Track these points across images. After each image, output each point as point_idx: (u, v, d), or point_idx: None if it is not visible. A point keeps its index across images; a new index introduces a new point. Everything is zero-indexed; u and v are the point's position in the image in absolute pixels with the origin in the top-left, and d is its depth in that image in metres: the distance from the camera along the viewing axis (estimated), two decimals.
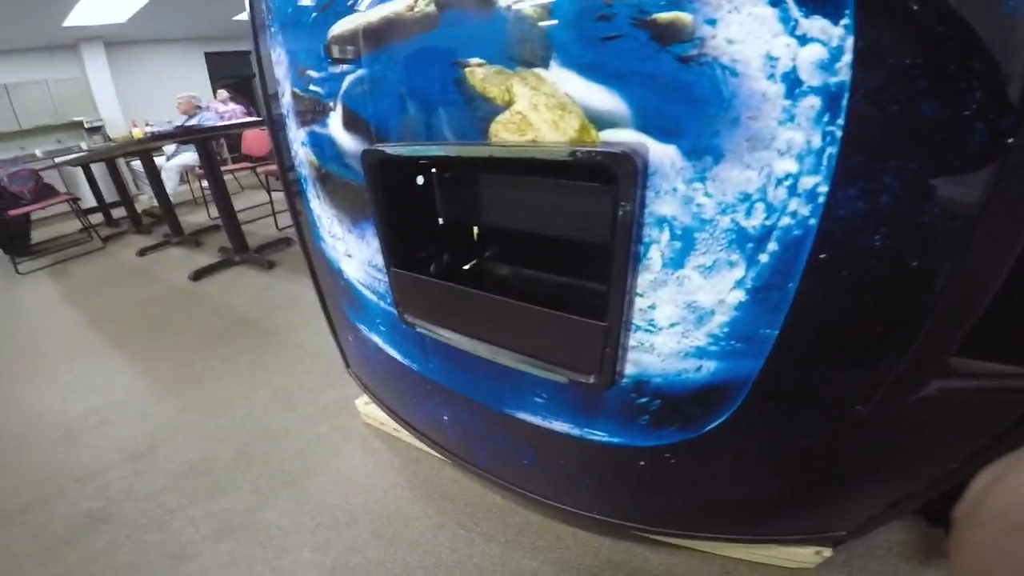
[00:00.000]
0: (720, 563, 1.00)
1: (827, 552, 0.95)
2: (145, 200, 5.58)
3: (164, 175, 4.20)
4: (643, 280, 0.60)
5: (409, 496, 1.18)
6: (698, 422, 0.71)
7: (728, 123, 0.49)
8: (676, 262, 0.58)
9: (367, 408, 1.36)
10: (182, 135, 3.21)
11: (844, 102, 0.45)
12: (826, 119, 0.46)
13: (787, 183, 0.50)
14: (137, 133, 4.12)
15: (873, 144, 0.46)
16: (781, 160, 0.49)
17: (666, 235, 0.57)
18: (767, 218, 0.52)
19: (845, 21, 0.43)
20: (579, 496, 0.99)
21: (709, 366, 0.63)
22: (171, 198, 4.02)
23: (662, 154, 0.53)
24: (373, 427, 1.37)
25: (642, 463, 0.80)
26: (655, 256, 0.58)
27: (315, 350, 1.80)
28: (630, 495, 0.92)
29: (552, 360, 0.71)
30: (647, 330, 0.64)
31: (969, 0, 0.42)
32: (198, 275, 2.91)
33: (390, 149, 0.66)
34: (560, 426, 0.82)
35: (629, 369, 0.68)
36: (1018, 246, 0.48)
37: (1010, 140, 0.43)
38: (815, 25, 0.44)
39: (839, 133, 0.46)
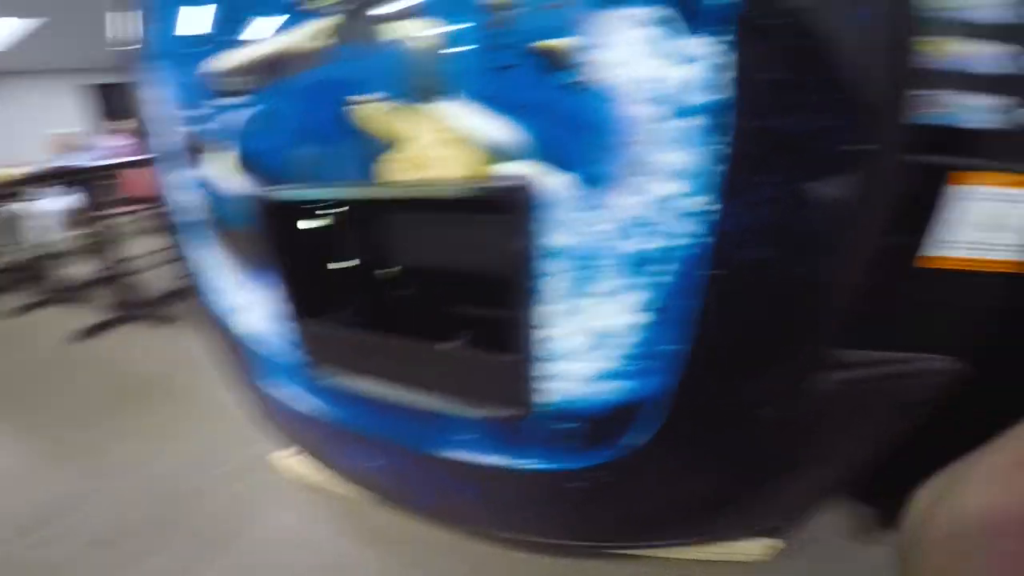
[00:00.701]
0: (679, 566, 1.02)
1: (774, 544, 1.00)
2: (19, 250, 4.91)
3: (39, 222, 3.72)
4: (551, 310, 0.60)
5: (349, 545, 1.11)
6: (626, 440, 0.72)
7: (617, 149, 0.50)
8: (581, 290, 0.58)
9: (287, 462, 1.26)
10: (54, 176, 2.86)
11: (726, 120, 0.48)
12: (710, 138, 0.49)
13: (679, 204, 0.52)
14: (5, 174, 3.63)
15: (756, 160, 0.49)
16: (669, 182, 0.51)
17: (562, 265, 0.57)
18: (664, 240, 0.53)
19: (726, 38, 0.46)
20: (529, 523, 0.97)
21: (625, 386, 0.64)
22: (50, 248, 3.57)
23: (559, 184, 0.53)
24: (298, 481, 1.27)
25: (582, 484, 0.80)
26: (560, 285, 0.59)
27: (224, 406, 1.65)
28: (577, 515, 0.91)
29: (471, 397, 0.70)
30: (562, 358, 0.64)
31: (831, 14, 0.46)
32: (89, 333, 2.58)
33: (284, 192, 0.61)
34: (494, 460, 0.80)
35: (550, 397, 0.68)
36: (882, 244, 0.54)
37: (870, 147, 0.48)
38: (695, 44, 0.46)
39: (724, 151, 0.49)
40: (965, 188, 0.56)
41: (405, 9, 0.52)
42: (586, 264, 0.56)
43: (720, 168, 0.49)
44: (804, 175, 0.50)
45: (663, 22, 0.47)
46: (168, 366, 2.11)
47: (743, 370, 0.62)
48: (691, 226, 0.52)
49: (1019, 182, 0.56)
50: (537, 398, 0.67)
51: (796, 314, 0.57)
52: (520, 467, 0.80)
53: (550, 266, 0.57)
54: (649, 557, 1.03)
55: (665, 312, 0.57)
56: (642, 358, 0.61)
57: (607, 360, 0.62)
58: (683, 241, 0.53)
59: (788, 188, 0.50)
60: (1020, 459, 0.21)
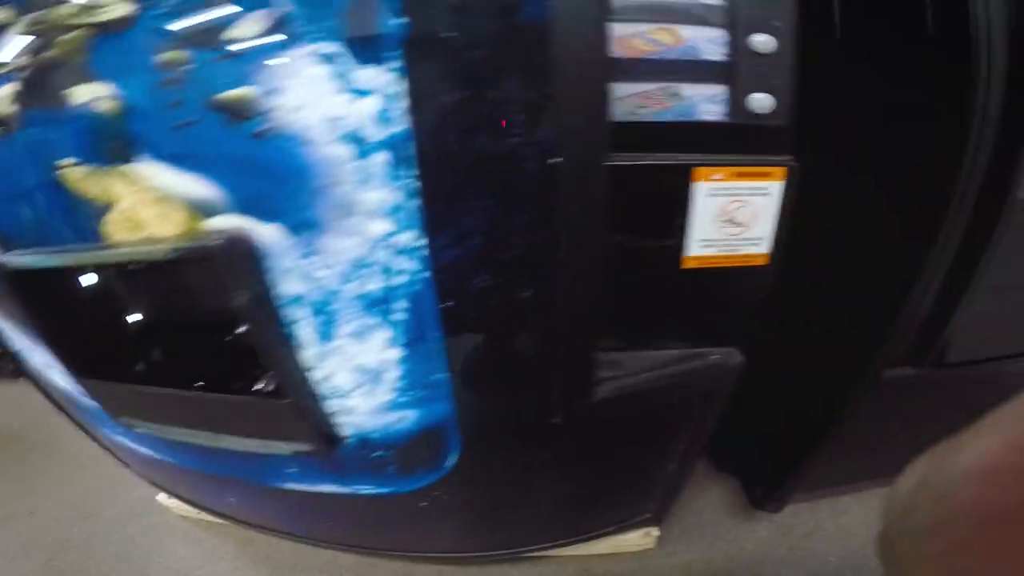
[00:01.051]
0: (581, 562, 1.05)
1: (655, 532, 1.03)
2: None
3: None
4: (309, 354, 0.60)
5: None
6: (439, 461, 0.73)
7: (315, 193, 0.49)
8: (327, 335, 0.58)
9: (174, 500, 1.25)
10: None
11: (410, 151, 0.47)
12: (400, 172, 0.48)
13: (389, 243, 0.51)
14: None
15: (449, 189, 0.49)
16: (375, 222, 0.50)
17: (304, 312, 0.56)
18: (386, 279, 0.53)
19: (395, 64, 0.44)
20: (409, 540, 0.99)
21: (410, 415, 0.65)
22: None
23: (269, 235, 0.52)
24: (191, 518, 1.26)
25: (424, 504, 0.82)
26: (306, 333, 0.58)
27: (98, 453, 1.60)
28: (440, 530, 0.93)
29: (270, 437, 0.70)
30: (338, 395, 0.64)
31: (499, 19, 0.45)
32: None
33: (15, 259, 0.59)
34: (328, 488, 0.81)
35: (345, 430, 0.68)
36: (622, 249, 0.54)
37: (553, 160, 0.47)
38: (368, 75, 0.45)
39: (415, 184, 0.48)
40: (699, 185, 0.56)
41: (79, 74, 0.49)
42: (324, 309, 0.56)
43: (418, 202, 0.48)
44: (507, 196, 0.49)
45: (333, 58, 0.45)
46: (27, 419, 1.89)
47: (512, 388, 0.63)
48: (409, 263, 0.52)
49: (754, 173, 0.56)
50: (333, 432, 0.68)
51: (546, 331, 0.57)
52: (362, 493, 0.81)
53: (292, 313, 0.56)
54: (549, 557, 1.06)
55: (418, 345, 0.57)
56: (415, 389, 0.62)
57: (384, 394, 0.63)
58: (405, 279, 0.52)
59: (494, 212, 0.50)
60: (1010, 442, 0.20)
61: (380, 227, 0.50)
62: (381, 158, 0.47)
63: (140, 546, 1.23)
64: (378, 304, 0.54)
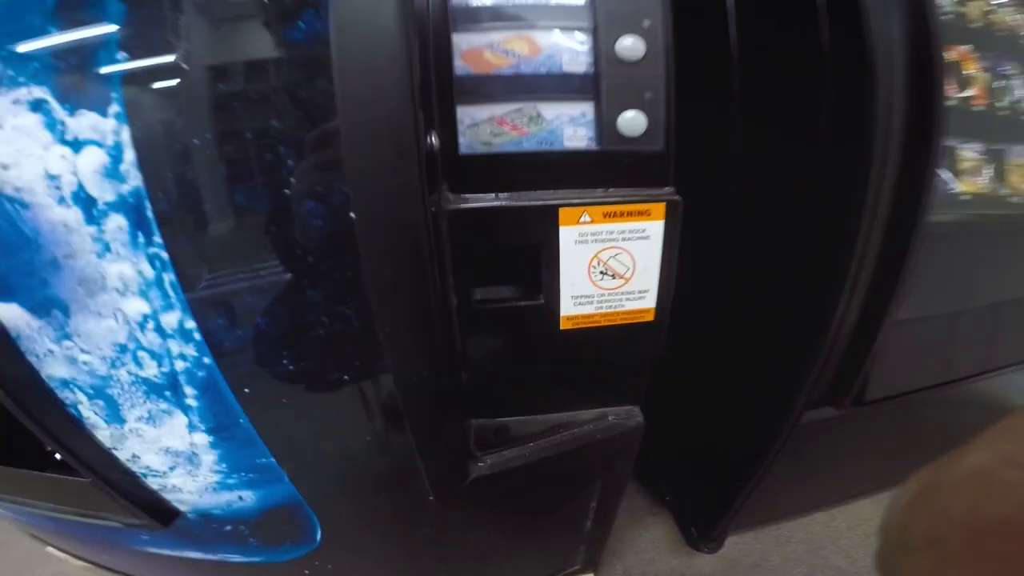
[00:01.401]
0: None
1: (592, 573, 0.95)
2: None
3: None
4: (104, 436, 0.50)
5: None
6: (306, 534, 0.64)
7: (49, 267, 0.39)
8: (115, 417, 0.48)
9: None
10: None
11: (149, 212, 0.36)
12: (141, 239, 0.37)
13: (151, 325, 0.41)
14: None
15: (207, 258, 0.38)
16: (127, 300, 0.40)
17: (80, 395, 0.46)
18: (160, 365, 0.43)
19: (115, 109, 0.34)
20: None
21: (247, 495, 0.56)
22: None
23: (10, 315, 0.41)
24: (90, 567, 1.19)
25: (306, 572, 0.74)
26: (91, 415, 0.48)
27: None
28: None
29: (94, 511, 0.61)
30: (155, 475, 0.54)
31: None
32: None
33: None
34: (194, 555, 0.72)
35: (180, 506, 0.59)
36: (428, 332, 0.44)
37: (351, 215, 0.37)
38: (85, 123, 0.34)
39: (164, 254, 0.37)
40: (567, 231, 0.45)
41: None
42: (101, 393, 0.45)
43: (175, 276, 0.38)
44: (291, 264, 0.38)
45: (42, 104, 0.34)
46: None
47: (358, 475, 0.53)
48: (184, 348, 0.41)
49: (628, 212, 0.45)
50: (165, 507, 0.59)
51: (388, 414, 0.47)
52: (232, 560, 0.73)
53: (68, 398, 0.46)
54: None
55: (226, 432, 0.47)
56: (240, 472, 0.52)
57: (207, 475, 0.53)
58: (185, 365, 0.42)
59: (277, 286, 0.39)
60: (1003, 457, 0.20)
61: (136, 307, 0.40)
62: (115, 223, 0.37)
63: None
64: (162, 390, 0.44)
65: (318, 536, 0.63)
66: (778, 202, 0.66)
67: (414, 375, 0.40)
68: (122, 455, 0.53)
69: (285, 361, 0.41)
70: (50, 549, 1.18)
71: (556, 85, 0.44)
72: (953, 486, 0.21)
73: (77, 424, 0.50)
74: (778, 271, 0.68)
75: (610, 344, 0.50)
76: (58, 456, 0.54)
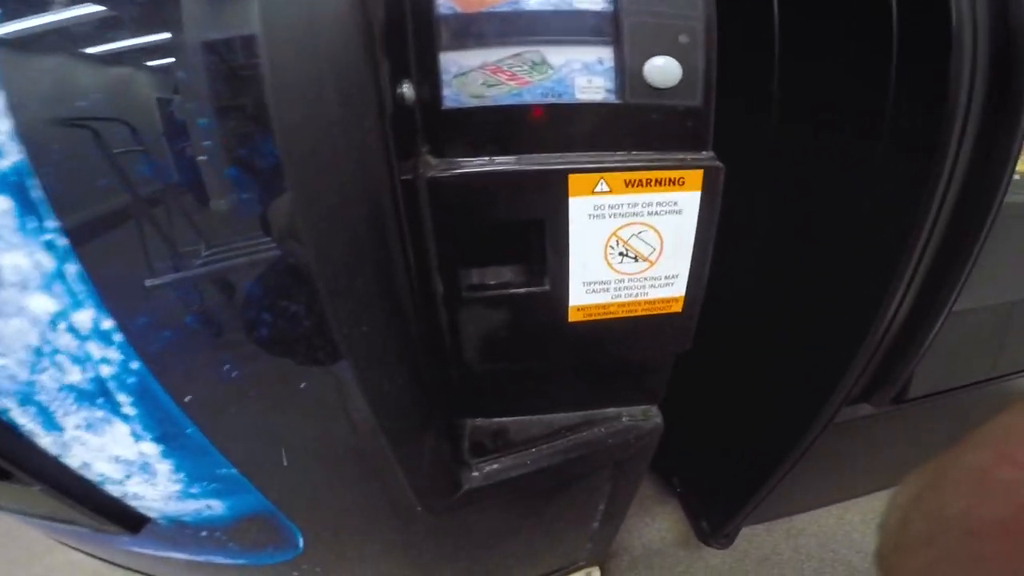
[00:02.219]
0: None
1: (596, 572, 0.92)
2: None
3: None
4: (46, 443, 0.43)
5: None
6: (288, 541, 0.59)
7: None
8: (52, 425, 0.41)
9: None
10: None
11: (36, 191, 0.28)
12: (32, 223, 0.29)
13: (63, 325, 0.33)
14: None
15: (110, 241, 0.30)
16: (29, 296, 0.32)
17: (8, 401, 0.39)
18: (84, 371, 0.35)
19: None
20: None
21: (215, 504, 0.50)
22: None
23: None
24: (101, 558, 1.17)
25: (295, 574, 0.69)
26: (25, 422, 0.41)
27: None
28: None
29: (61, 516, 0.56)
30: (112, 483, 0.48)
31: None
32: None
33: None
34: (178, 555, 0.68)
35: (149, 513, 0.53)
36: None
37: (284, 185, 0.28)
38: None
39: (61, 240, 0.30)
40: (578, 202, 0.37)
41: None
42: (28, 399, 0.39)
43: (79, 267, 0.30)
44: (216, 244, 0.30)
45: None
46: None
47: (332, 485, 0.46)
48: (106, 351, 0.34)
49: (657, 181, 0.37)
50: (132, 514, 0.53)
51: (360, 421, 0.40)
52: (216, 562, 0.69)
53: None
54: None
55: (173, 441, 0.41)
56: (201, 482, 0.46)
57: (167, 484, 0.47)
58: (112, 370, 0.35)
59: (202, 276, 0.31)
60: (1002, 455, 0.18)
61: (42, 304, 0.32)
62: (1, 205, 0.29)
63: None
64: (93, 398, 0.37)
65: (300, 543, 0.58)
66: (826, 182, 0.57)
67: (384, 384, 0.33)
68: (71, 463, 0.47)
69: (227, 367, 0.34)
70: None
71: (566, 25, 0.34)
72: (951, 485, 0.20)
73: (12, 431, 0.43)
74: (822, 257, 0.59)
75: (628, 339, 0.42)
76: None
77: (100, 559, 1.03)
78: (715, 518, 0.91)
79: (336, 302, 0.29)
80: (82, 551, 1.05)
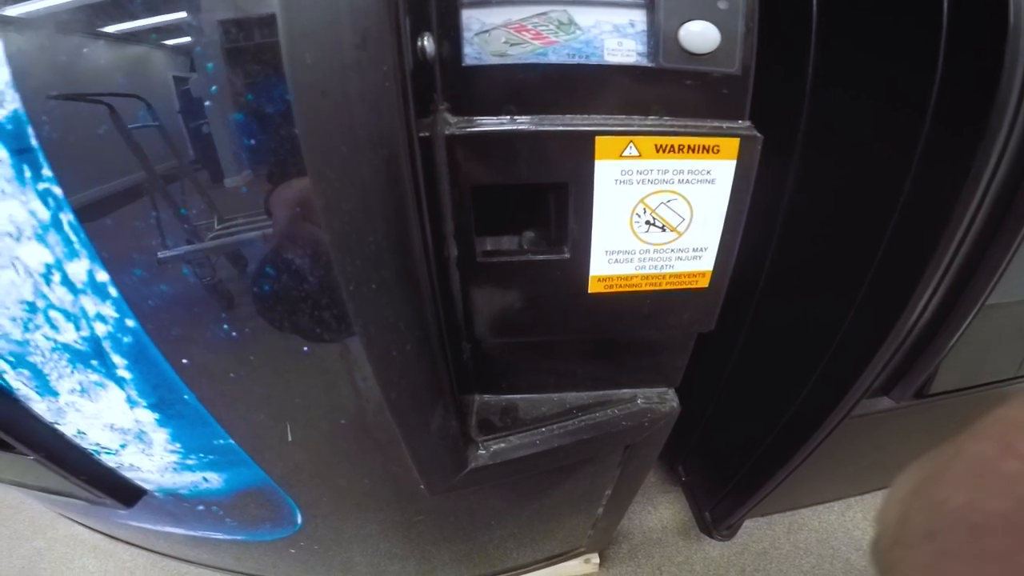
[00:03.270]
0: None
1: (595, 559, 0.92)
2: None
3: None
4: (41, 409, 0.42)
5: None
6: (286, 517, 0.58)
7: None
8: (46, 389, 0.39)
9: None
10: None
11: (32, 139, 0.26)
12: (28, 172, 0.28)
13: (56, 277, 0.31)
14: None
15: (106, 190, 0.28)
16: (24, 246, 0.30)
17: (2, 363, 0.38)
18: (78, 328, 0.33)
19: None
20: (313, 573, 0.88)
21: (213, 476, 0.48)
22: None
23: None
24: (101, 531, 1.17)
25: (292, 551, 0.68)
26: (20, 386, 0.40)
27: None
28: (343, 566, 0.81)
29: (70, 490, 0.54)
30: (108, 452, 0.47)
31: None
32: None
33: None
34: (175, 530, 0.67)
35: (145, 485, 0.52)
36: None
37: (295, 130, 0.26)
38: None
39: (56, 189, 0.28)
40: (604, 165, 0.35)
41: None
42: (21, 360, 0.37)
43: (70, 216, 0.28)
44: (217, 193, 0.28)
45: None
46: None
47: (332, 459, 0.45)
48: (101, 307, 0.32)
49: (690, 147, 0.34)
50: (127, 486, 0.52)
51: (362, 392, 0.38)
52: (214, 537, 0.68)
53: None
54: None
55: (170, 408, 0.39)
56: (197, 453, 0.44)
57: (163, 455, 0.45)
58: (107, 328, 0.33)
59: (200, 226, 0.29)
60: (1005, 447, 0.17)
61: (36, 255, 0.30)
62: None
63: (47, 559, 1.14)
64: (87, 359, 0.35)
65: (299, 520, 0.57)
66: (862, 159, 0.54)
67: (393, 349, 0.31)
68: (67, 430, 0.45)
69: (225, 327, 0.32)
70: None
71: None
72: (953, 478, 0.20)
73: (7, 395, 0.42)
74: (852, 238, 0.56)
75: (650, 315, 0.40)
76: None
77: (101, 533, 1.03)
78: (719, 509, 0.89)
79: (345, 257, 0.27)
80: (84, 525, 1.05)
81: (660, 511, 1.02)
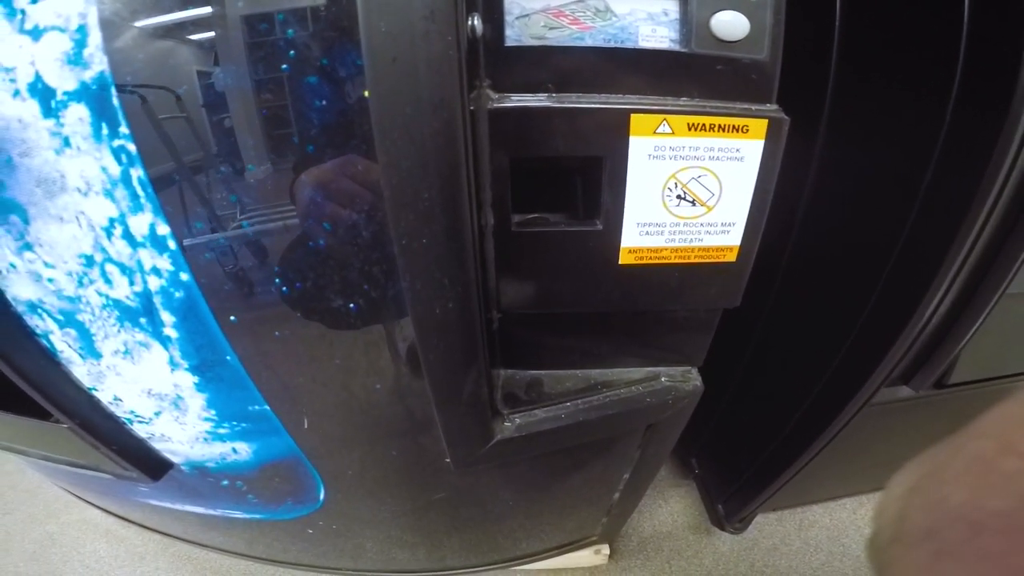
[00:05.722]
0: None
1: (605, 550, 0.92)
2: None
3: None
4: (81, 373, 0.43)
5: (162, 571, 1.03)
6: (309, 494, 0.58)
7: (7, 167, 0.31)
8: (90, 350, 0.41)
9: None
10: None
11: (114, 99, 0.28)
12: (105, 130, 0.29)
13: (118, 230, 0.33)
14: None
15: (178, 147, 0.30)
16: (90, 201, 0.32)
17: (51, 322, 0.39)
18: (132, 283, 0.35)
19: None
20: (325, 557, 0.86)
21: (243, 447, 0.49)
22: None
23: None
24: (113, 515, 1.17)
25: (310, 531, 0.69)
26: (65, 348, 0.41)
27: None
28: (357, 549, 0.81)
29: (83, 461, 0.55)
30: (141, 421, 0.47)
31: None
32: None
33: None
34: (194, 509, 0.68)
35: (172, 458, 0.53)
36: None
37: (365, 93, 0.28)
38: (47, 8, 0.27)
39: (131, 146, 0.29)
40: (638, 141, 0.36)
41: None
42: (72, 319, 0.38)
43: (141, 171, 0.30)
44: (284, 154, 0.30)
45: None
46: None
47: (365, 428, 0.46)
48: (158, 260, 0.33)
49: (721, 127, 0.36)
50: (155, 458, 0.53)
51: (403, 358, 0.40)
52: (234, 516, 0.68)
53: (38, 326, 0.39)
54: (501, 570, 0.94)
55: (211, 371, 0.40)
56: (231, 420, 0.45)
57: (196, 423, 0.46)
58: (160, 283, 0.34)
59: (263, 186, 0.30)
60: (1005, 445, 0.17)
61: (101, 208, 0.31)
62: (76, 113, 0.29)
63: (59, 544, 1.14)
64: (136, 316, 0.37)
65: (321, 495, 0.57)
66: (884, 141, 0.55)
67: (436, 307, 0.32)
68: (103, 396, 0.46)
69: (278, 280, 0.33)
70: (75, 496, 1.17)
71: None
72: (952, 475, 0.20)
73: (51, 359, 0.43)
74: (872, 222, 0.57)
75: (679, 287, 0.41)
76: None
77: (115, 515, 1.03)
78: (732, 502, 0.89)
79: (399, 212, 0.28)
80: (98, 507, 1.05)
81: (671, 505, 1.02)
